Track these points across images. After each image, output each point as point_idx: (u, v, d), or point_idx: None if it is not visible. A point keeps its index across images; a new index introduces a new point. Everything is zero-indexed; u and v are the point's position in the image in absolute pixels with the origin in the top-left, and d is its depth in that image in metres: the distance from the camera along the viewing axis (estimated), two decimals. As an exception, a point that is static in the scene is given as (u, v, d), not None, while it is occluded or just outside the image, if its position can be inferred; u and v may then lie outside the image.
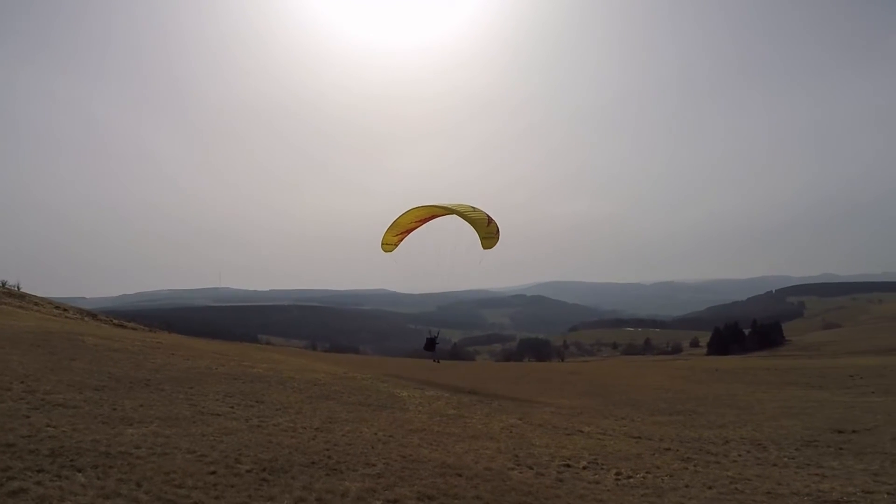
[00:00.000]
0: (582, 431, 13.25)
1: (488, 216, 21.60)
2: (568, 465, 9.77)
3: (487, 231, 21.49)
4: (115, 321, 38.52)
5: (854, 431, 12.88)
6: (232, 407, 11.62)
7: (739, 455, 11.03)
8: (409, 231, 22.78)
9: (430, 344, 26.62)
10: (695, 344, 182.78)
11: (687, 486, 8.63)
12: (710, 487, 8.56)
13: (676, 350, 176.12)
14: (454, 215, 21.21)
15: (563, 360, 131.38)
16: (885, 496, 7.86)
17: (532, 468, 9.49)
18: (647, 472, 9.44)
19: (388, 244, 23.05)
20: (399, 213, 22.12)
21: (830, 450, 11.22)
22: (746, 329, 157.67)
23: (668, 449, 11.51)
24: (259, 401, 12.76)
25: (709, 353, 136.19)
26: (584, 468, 9.67)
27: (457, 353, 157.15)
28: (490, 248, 21.87)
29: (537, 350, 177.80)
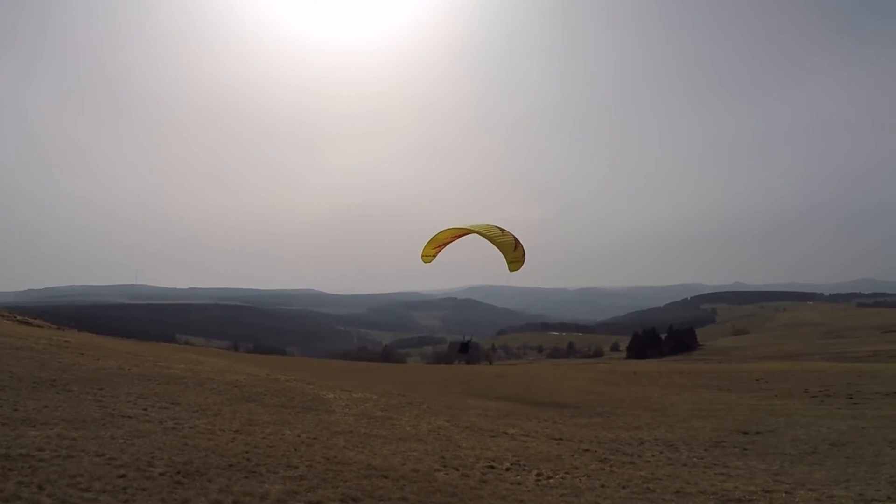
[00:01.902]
0: (506, 433, 13.46)
1: (515, 240, 22.89)
2: (492, 467, 9.88)
3: (514, 255, 22.92)
4: (19, 317, 35.57)
5: (758, 433, 13.77)
6: (145, 409, 10.99)
7: (653, 455, 11.53)
8: (444, 245, 24.57)
9: (465, 347, 28.14)
10: (615, 348, 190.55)
11: (603, 486, 8.92)
12: (623, 487, 8.90)
13: (598, 354, 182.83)
14: (483, 236, 22.73)
15: (491, 363, 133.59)
16: (784, 495, 8.42)
17: (458, 469, 9.53)
18: (566, 473, 9.69)
19: (427, 256, 24.79)
20: (435, 231, 24.20)
21: (736, 450, 11.94)
22: (663, 334, 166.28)
23: (587, 450, 11.89)
24: (174, 402, 12.15)
25: (628, 357, 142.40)
26: (507, 469, 9.82)
27: (387, 356, 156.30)
28: (516, 270, 23.25)
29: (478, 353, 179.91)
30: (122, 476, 6.84)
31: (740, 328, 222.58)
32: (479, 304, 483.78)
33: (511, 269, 22.99)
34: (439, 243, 24.48)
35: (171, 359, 21.05)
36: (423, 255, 24.90)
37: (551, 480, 9.25)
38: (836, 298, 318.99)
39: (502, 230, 22.91)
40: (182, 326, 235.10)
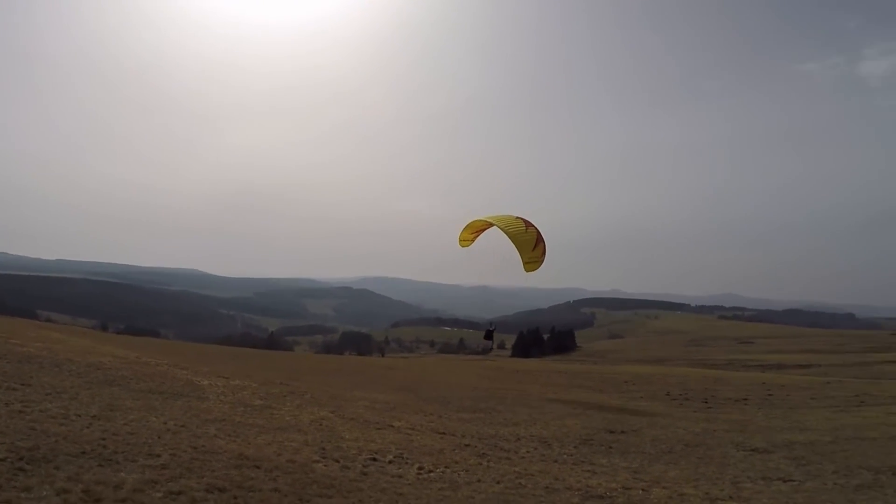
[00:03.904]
0: (392, 426, 13.41)
1: (537, 238, 21.76)
2: (374, 459, 9.77)
3: (532, 255, 21.84)
4: None
5: (623, 432, 14.76)
6: (-13, 390, 9.76)
7: (528, 451, 11.98)
8: (481, 230, 23.69)
9: (489, 334, 28.82)
10: (502, 346, 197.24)
11: (479, 481, 9.12)
12: (498, 482, 9.14)
13: (486, 351, 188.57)
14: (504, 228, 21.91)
15: (383, 356, 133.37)
16: (640, 492, 9.02)
17: (338, 461, 9.32)
18: (446, 467, 9.81)
19: (465, 240, 24.20)
20: (468, 219, 23.78)
21: (602, 448, 12.70)
22: (546, 335, 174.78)
23: (468, 445, 12.13)
24: (25, 384, 10.89)
25: (513, 355, 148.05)
26: (390, 462, 9.76)
27: (273, 343, 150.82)
28: (532, 271, 22.15)
29: (359, 344, 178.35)
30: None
31: (615, 333, 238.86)
32: (375, 296, 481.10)
33: (527, 270, 21.99)
34: (475, 229, 23.90)
35: (27, 336, 19.02)
36: (460, 240, 24.34)
37: (432, 474, 9.32)
38: (701, 310, 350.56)
39: (527, 226, 21.91)
40: (45, 302, 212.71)
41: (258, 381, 18.36)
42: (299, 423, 12.11)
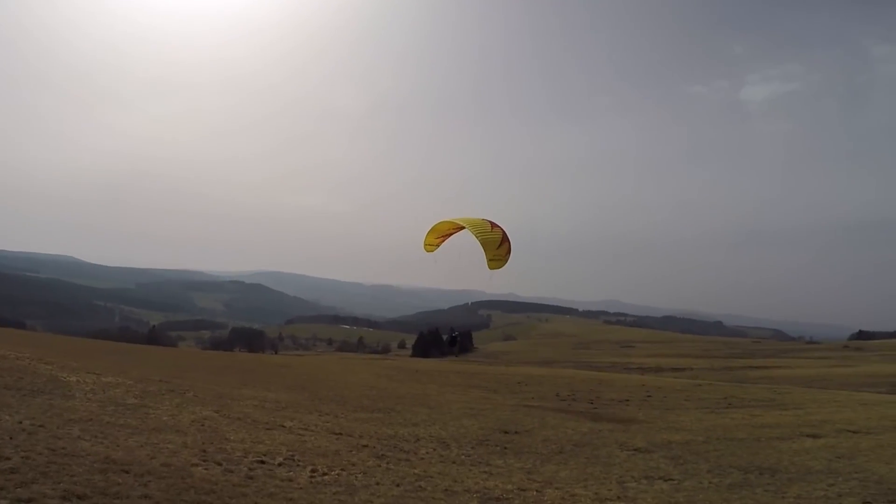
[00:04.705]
0: (283, 426, 12.77)
1: (503, 237, 21.86)
2: (262, 462, 9.18)
3: (496, 253, 21.88)
4: None
5: (517, 432, 15.07)
6: None
7: (427, 452, 11.85)
8: (447, 235, 23.67)
9: (453, 341, 26.58)
10: (402, 345, 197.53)
11: (378, 484, 8.84)
12: (398, 485, 8.90)
13: (386, 350, 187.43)
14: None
15: (276, 353, 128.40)
16: (535, 493, 9.14)
17: (221, 464, 8.65)
18: (342, 470, 9.42)
19: (431, 245, 23.85)
20: (433, 222, 23.45)
21: (498, 448, 12.85)
22: (445, 335, 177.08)
23: (366, 446, 11.79)
24: None
25: (413, 355, 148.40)
26: (280, 465, 9.22)
27: (155, 338, 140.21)
28: (496, 268, 22.07)
29: (250, 340, 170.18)
30: None
31: (509, 334, 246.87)
32: (269, 291, 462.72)
33: (490, 267, 22.07)
34: (441, 233, 23.65)
35: None
36: (425, 245, 24.02)
37: (326, 477, 8.90)
38: (587, 314, 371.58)
39: (493, 226, 22.17)
40: None
41: (134, 378, 16.90)
42: (178, 424, 11.19)
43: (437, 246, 24.75)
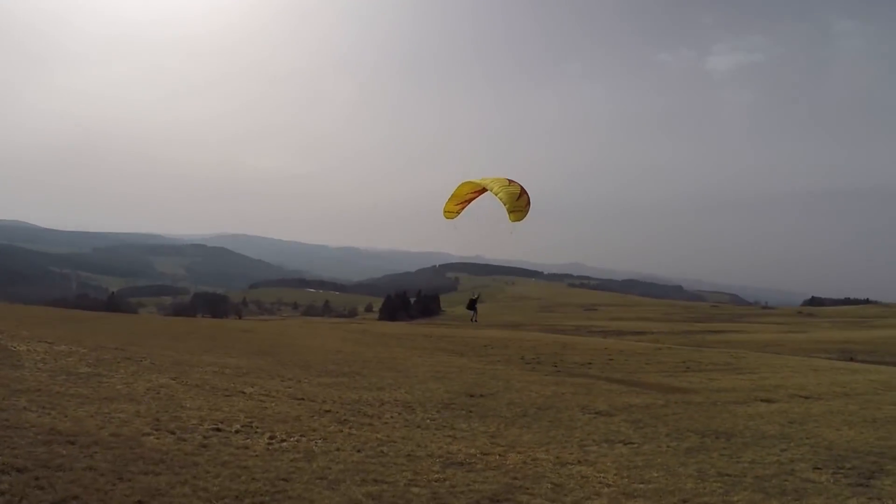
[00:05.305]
0: (244, 392, 12.48)
1: (521, 189, 21.75)
2: (218, 429, 8.90)
3: (517, 204, 21.76)
4: None
5: (482, 395, 15.10)
6: None
7: (391, 417, 11.74)
8: (467, 201, 23.80)
9: (472, 304, 28.48)
10: (369, 309, 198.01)
11: (338, 450, 8.67)
12: (359, 451, 8.73)
13: (353, 314, 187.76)
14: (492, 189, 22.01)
15: (240, 318, 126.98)
16: (497, 457, 9.10)
17: (174, 433, 8.35)
18: (301, 436, 9.22)
19: (450, 212, 23.91)
20: (453, 186, 23.68)
21: (463, 412, 12.83)
22: (413, 298, 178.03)
23: (329, 411, 11.61)
24: None
25: (380, 318, 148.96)
26: (237, 432, 8.95)
27: (115, 305, 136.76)
28: (517, 220, 22.07)
29: (213, 306, 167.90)
30: None
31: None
32: (232, 254, 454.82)
33: (512, 220, 22.04)
34: (461, 199, 23.59)
35: None
36: (445, 212, 23.96)
37: (285, 444, 8.68)
38: (552, 277, 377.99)
39: (510, 181, 22.07)
40: None
41: (89, 346, 16.26)
42: (133, 392, 10.79)
43: (458, 213, 24.78)
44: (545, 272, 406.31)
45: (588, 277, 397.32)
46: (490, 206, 23.15)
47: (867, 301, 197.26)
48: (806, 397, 16.51)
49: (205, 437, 8.37)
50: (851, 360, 41.07)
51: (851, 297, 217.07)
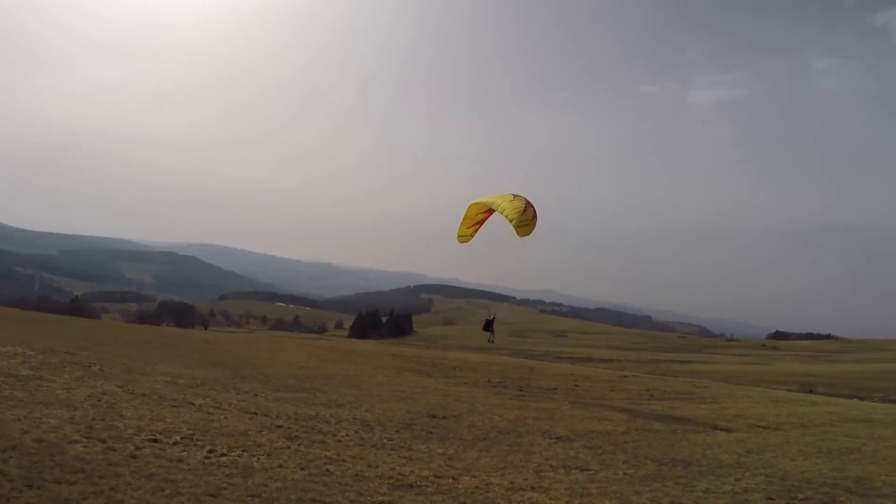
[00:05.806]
0: (193, 404, 11.97)
1: (526, 203, 21.38)
2: (155, 440, 8.44)
3: (522, 219, 21.26)
4: None
5: (444, 417, 14.78)
6: None
7: (347, 435, 11.35)
8: (479, 223, 23.42)
9: (488, 324, 27.73)
10: (339, 325, 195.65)
11: (280, 467, 8.26)
12: (303, 469, 8.35)
13: (323, 330, 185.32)
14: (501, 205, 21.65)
15: (206, 329, 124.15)
16: (451, 480, 8.77)
17: (105, 442, 7.89)
18: (244, 451, 8.79)
19: (464, 236, 23.60)
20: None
21: (423, 433, 12.49)
22: (385, 317, 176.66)
23: (280, 426, 11.18)
24: None
25: (350, 336, 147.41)
26: (175, 444, 8.49)
27: (77, 309, 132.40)
28: (525, 235, 21.51)
29: (179, 315, 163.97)
30: None
31: (449, 319, 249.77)
32: (203, 264, 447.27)
33: (520, 234, 21.42)
34: (472, 221, 23.22)
35: None
36: (459, 237, 23.69)
37: (224, 458, 8.25)
38: (525, 303, 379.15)
39: (514, 195, 21.80)
40: None
41: (37, 349, 15.58)
42: (71, 398, 10.25)
43: (472, 236, 24.27)
44: (518, 297, 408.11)
45: (560, 304, 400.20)
46: (497, 226, 22.84)
47: (829, 336, 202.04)
48: (764, 427, 16.59)
49: (137, 448, 7.92)
50: (811, 392, 41.84)
51: (814, 332, 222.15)
